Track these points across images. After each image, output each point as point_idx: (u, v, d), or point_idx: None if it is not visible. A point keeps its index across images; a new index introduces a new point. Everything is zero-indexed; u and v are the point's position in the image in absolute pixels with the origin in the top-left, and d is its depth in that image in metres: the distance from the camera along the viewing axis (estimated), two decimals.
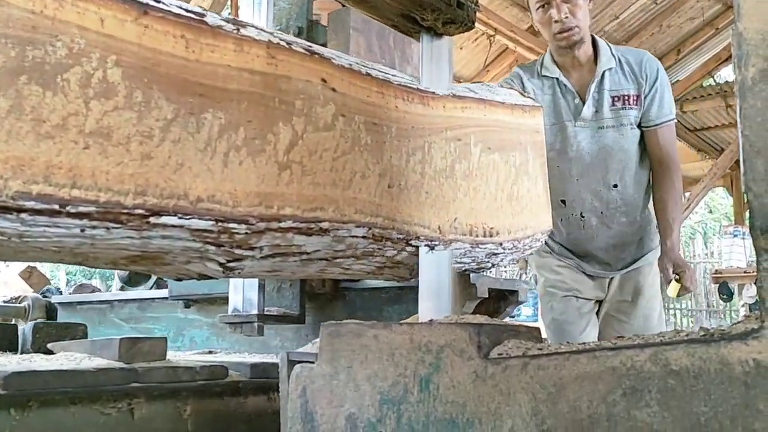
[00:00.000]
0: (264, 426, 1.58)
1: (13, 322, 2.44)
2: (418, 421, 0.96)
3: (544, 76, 2.21)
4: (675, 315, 12.43)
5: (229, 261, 1.26)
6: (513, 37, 6.69)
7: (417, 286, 1.89)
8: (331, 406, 1.08)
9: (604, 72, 2.15)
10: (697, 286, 2.32)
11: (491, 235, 1.60)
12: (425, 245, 1.46)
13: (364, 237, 1.33)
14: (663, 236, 2.19)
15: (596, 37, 2.23)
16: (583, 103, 2.16)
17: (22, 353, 1.88)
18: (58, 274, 12.81)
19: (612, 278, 2.29)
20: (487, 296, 1.95)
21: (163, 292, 2.55)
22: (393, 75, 1.44)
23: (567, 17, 2.07)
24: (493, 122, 1.65)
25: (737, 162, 8.45)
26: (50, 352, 1.77)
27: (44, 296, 3.10)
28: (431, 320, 1.18)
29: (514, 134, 1.71)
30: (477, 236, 1.56)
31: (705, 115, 9.20)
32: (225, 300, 1.92)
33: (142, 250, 1.15)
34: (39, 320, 2.41)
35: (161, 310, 2.64)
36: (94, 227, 1.01)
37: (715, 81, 8.81)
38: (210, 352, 2.29)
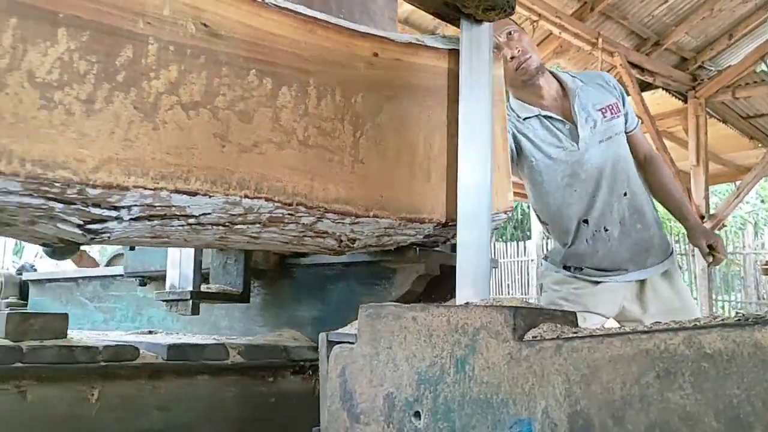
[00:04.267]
0: (181, 412, 1.46)
1: None
2: (454, 401, 0.98)
3: (526, 118, 2.25)
4: (723, 307, 12.15)
5: (87, 222, 1.08)
6: (558, 23, 6.58)
7: (361, 262, 1.79)
8: (370, 385, 1.12)
9: (576, 91, 2.23)
10: (727, 253, 2.54)
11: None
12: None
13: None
14: (682, 217, 2.38)
15: (548, 68, 2.33)
16: (576, 125, 2.21)
17: None
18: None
19: (644, 286, 2.29)
20: (438, 274, 1.74)
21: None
22: None
23: (519, 51, 2.19)
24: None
25: None
26: None
27: (18, 273, 3.06)
28: (467, 303, 1.20)
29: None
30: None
31: (758, 102, 8.91)
32: None
33: None
34: (12, 305, 2.35)
35: (122, 288, 2.49)
36: None
37: None
38: (150, 333, 2.14)
